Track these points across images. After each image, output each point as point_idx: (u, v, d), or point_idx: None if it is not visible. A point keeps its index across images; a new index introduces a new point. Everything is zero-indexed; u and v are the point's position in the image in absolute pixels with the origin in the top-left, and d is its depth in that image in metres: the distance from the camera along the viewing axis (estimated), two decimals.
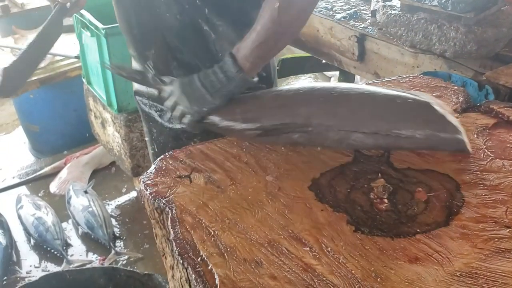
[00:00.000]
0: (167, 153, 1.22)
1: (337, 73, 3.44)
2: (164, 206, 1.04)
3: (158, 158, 1.21)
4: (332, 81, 3.91)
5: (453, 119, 1.14)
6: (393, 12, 1.99)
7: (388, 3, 2.08)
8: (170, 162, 1.18)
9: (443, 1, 1.77)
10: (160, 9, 1.37)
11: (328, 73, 4.08)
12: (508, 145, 1.18)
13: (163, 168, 1.16)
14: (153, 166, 1.18)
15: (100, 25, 2.33)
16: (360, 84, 1.39)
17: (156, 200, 1.06)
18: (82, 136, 3.41)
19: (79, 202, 2.79)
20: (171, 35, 1.40)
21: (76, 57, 3.01)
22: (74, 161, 3.29)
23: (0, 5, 3.61)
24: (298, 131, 1.16)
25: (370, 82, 1.56)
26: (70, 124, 3.46)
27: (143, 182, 1.12)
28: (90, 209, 2.73)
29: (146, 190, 1.09)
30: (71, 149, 3.49)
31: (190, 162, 1.18)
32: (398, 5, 2.02)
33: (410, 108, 1.14)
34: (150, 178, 1.13)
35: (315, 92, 1.19)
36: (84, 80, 2.86)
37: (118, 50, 2.37)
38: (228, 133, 1.25)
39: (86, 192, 2.88)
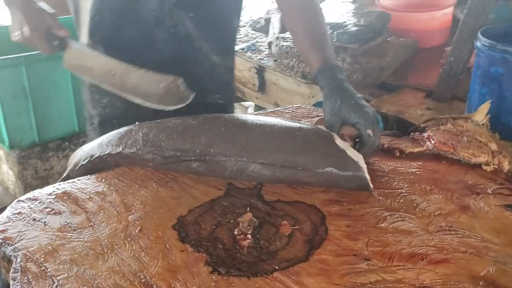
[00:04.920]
0: (27, 194, 1.13)
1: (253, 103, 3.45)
2: (10, 254, 0.95)
3: (16, 200, 1.11)
4: (249, 111, 3.91)
5: (355, 154, 1.12)
6: (285, 43, 2.01)
7: (281, 35, 2.10)
8: (28, 204, 1.09)
9: (328, 32, 1.81)
10: (149, 24, 1.38)
11: (245, 103, 4.10)
12: (379, 173, 1.18)
13: (19, 211, 1.07)
14: (8, 209, 1.08)
15: None
16: (266, 115, 1.39)
17: (2, 248, 0.96)
18: None
19: None
20: (163, 49, 1.41)
21: None
22: None
23: None
24: (196, 159, 1.15)
25: (255, 113, 1.55)
26: None
27: None
28: None
29: None
30: None
31: (50, 204, 1.09)
32: (291, 37, 2.03)
33: (310, 141, 1.13)
34: (1, 223, 1.03)
35: (218, 122, 1.20)
36: None
37: (8, 84, 2.25)
38: (131, 162, 1.21)
39: None
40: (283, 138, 1.14)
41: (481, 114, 1.32)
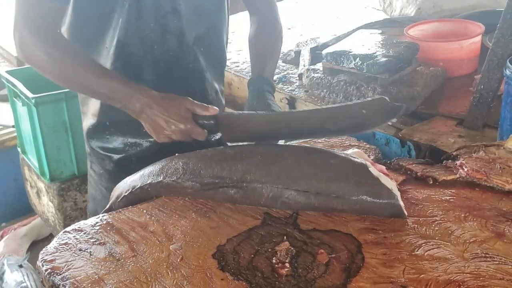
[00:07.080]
0: (72, 226, 1.19)
1: None
2: (58, 283, 1.00)
3: (62, 231, 1.17)
4: None
5: (388, 182, 1.15)
6: (315, 75, 2.07)
7: (311, 66, 2.15)
8: (73, 235, 1.14)
9: (359, 64, 1.85)
10: (168, 63, 1.50)
11: None
12: (413, 201, 1.20)
13: (65, 242, 1.12)
14: (54, 240, 1.14)
15: (30, 95, 2.32)
16: (301, 144, 1.44)
17: (51, 277, 1.01)
18: (22, 207, 3.31)
19: (12, 278, 2.66)
20: (181, 85, 1.51)
21: (14, 126, 2.96)
22: (11, 234, 3.16)
23: None
24: (234, 186, 1.20)
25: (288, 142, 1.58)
26: (9, 194, 3.36)
27: (41, 257, 1.07)
28: (24, 284, 2.60)
29: (43, 266, 1.05)
30: (10, 221, 3.37)
31: (94, 234, 1.14)
32: (321, 69, 2.10)
33: (344, 169, 1.17)
34: (49, 253, 1.08)
35: (254, 151, 1.26)
36: (19, 149, 2.81)
37: (49, 119, 2.35)
38: (172, 190, 1.26)
39: (21, 266, 2.75)
40: (317, 166, 1.18)
41: None
